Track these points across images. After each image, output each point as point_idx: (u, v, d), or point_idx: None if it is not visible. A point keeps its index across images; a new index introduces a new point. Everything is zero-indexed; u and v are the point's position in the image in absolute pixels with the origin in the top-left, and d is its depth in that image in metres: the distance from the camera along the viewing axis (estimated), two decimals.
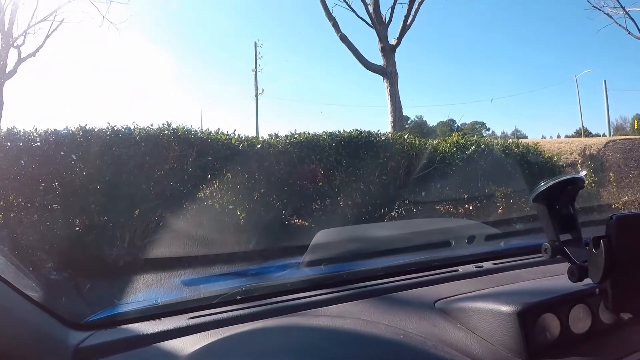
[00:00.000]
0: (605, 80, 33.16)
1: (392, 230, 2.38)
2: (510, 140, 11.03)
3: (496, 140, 10.27)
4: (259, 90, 34.21)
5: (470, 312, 1.18)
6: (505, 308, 1.12)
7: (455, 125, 47.86)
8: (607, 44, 73.46)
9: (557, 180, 1.12)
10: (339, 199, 7.85)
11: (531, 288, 1.33)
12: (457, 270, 1.55)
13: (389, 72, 14.79)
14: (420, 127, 46.58)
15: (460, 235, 1.96)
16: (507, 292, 1.31)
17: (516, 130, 47.95)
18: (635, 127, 36.18)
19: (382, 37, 15.30)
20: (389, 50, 15.09)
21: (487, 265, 1.62)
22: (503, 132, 46.84)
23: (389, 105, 14.67)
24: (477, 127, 51.59)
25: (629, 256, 1.02)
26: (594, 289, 1.10)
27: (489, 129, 54.91)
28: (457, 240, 1.92)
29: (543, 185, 1.13)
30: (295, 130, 8.07)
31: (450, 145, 8.89)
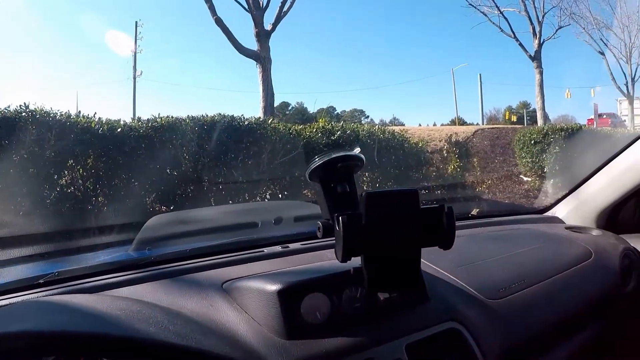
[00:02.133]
0: (480, 74, 35.50)
1: (216, 213, 2.51)
2: (377, 126, 11.68)
3: (362, 126, 10.75)
4: (138, 73, 33.35)
5: (245, 291, 1.21)
6: (269, 287, 1.16)
7: (336, 112, 48.94)
8: (484, 41, 78.05)
9: (328, 157, 1.13)
10: (202, 184, 7.99)
11: (318, 268, 1.36)
12: (263, 251, 1.59)
13: (262, 58, 15.16)
14: (301, 114, 47.10)
15: (274, 216, 2.01)
16: (291, 271, 1.35)
17: (394, 118, 49.47)
18: (507, 118, 39.16)
19: (258, 22, 15.59)
20: (263, 36, 15.44)
21: (294, 246, 1.66)
22: (382, 120, 48.14)
23: (261, 91, 15.02)
24: (357, 114, 52.86)
25: (381, 233, 1.05)
26: (359, 268, 1.13)
27: (367, 116, 56.23)
28: (263, 221, 1.97)
29: (316, 162, 1.14)
30: (159, 114, 8.11)
31: (315, 130, 9.26)
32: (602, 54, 28.49)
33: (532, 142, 12.97)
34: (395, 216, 1.06)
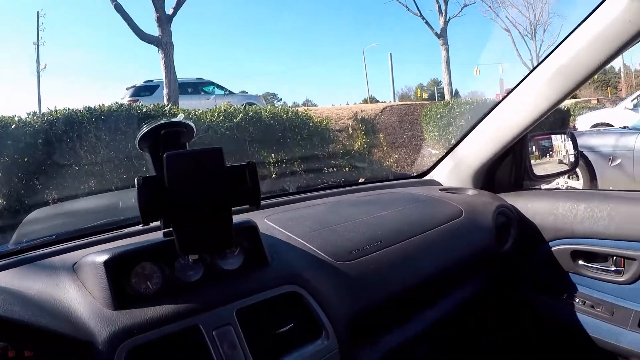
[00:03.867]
0: (390, 53, 36.43)
1: (89, 202, 2.65)
2: (279, 107, 11.98)
3: (265, 108, 10.96)
4: (42, 66, 32.13)
5: (84, 267, 1.21)
6: (98, 259, 1.16)
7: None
8: (394, 20, 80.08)
9: (151, 125, 1.13)
10: (104, 175, 8.02)
11: (152, 239, 1.32)
12: (123, 231, 1.57)
13: (164, 43, 14.97)
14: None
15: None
16: (126, 244, 1.31)
17: (307, 100, 49.81)
18: (418, 95, 40.50)
19: (159, 6, 15.29)
20: (164, 20, 15.18)
21: (155, 223, 1.59)
22: (294, 103, 48.51)
23: (164, 77, 14.89)
24: (269, 98, 52.80)
25: (185, 195, 1.02)
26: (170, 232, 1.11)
27: (280, 99, 56.16)
28: (127, 203, 1.96)
29: (142, 130, 1.14)
30: (55, 107, 8.06)
31: (217, 114, 9.37)
32: (508, 31, 30.01)
33: (439, 116, 13.68)
34: (200, 176, 1.03)
